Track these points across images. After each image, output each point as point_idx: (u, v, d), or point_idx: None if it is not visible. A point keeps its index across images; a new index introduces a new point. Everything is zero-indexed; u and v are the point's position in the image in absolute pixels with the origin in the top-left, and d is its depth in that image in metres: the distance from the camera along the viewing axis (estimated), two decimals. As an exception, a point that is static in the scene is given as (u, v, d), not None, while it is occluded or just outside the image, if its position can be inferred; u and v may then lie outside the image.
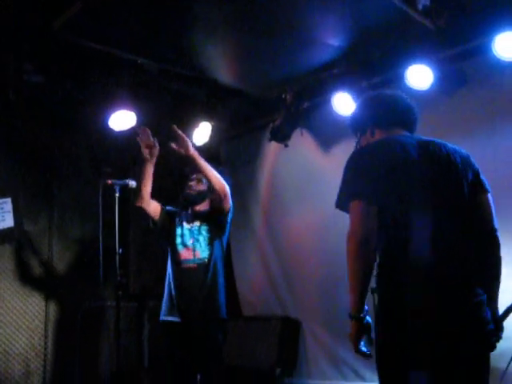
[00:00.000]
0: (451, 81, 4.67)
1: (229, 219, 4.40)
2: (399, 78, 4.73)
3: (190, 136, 5.66)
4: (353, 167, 2.49)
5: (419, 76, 4.64)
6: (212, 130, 5.77)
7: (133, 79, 5.00)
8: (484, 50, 4.35)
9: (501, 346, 2.46)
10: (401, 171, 2.44)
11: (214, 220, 4.36)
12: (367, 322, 2.40)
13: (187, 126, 5.59)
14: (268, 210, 6.27)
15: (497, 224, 2.56)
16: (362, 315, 2.37)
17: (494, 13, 4.17)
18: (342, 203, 2.47)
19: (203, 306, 4.19)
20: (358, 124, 2.77)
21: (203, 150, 5.76)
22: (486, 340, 2.39)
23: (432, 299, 2.33)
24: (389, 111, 2.67)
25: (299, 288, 5.84)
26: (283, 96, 5.48)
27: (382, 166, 2.42)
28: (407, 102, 2.72)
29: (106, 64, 4.86)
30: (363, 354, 2.38)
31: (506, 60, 4.27)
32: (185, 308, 4.21)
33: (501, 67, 4.37)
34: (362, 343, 2.39)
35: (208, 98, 5.54)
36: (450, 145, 2.60)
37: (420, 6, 3.94)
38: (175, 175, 5.27)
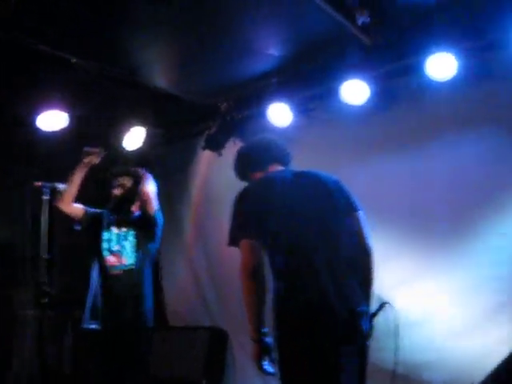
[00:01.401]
0: (385, 97, 4.78)
1: (157, 226, 4.31)
2: (335, 92, 4.79)
3: (122, 140, 5.53)
4: (237, 207, 2.87)
5: (355, 91, 4.72)
6: (146, 135, 5.64)
7: (66, 79, 4.81)
8: (417, 69, 4.46)
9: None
10: (276, 204, 2.79)
11: (141, 226, 4.27)
12: (266, 344, 2.68)
13: (120, 129, 5.45)
14: (199, 218, 6.20)
15: (369, 237, 2.87)
16: (260, 338, 2.68)
17: (429, 34, 4.29)
18: (231, 241, 2.83)
19: (128, 314, 4.08)
20: (240, 175, 3.17)
21: (136, 155, 5.65)
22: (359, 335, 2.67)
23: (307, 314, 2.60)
24: (261, 154, 3.08)
25: (229, 298, 5.78)
26: (219, 104, 5.44)
27: (259, 204, 2.81)
28: (276, 141, 3.15)
29: (39, 63, 4.66)
30: (267, 373, 2.69)
31: (437, 80, 4.41)
32: (109, 316, 4.09)
33: (432, 87, 4.50)
34: (266, 363, 2.67)
35: (143, 102, 5.42)
36: (323, 173, 2.97)
37: (359, 22, 3.99)
38: (102, 179, 5.11)
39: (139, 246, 4.23)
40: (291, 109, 5.11)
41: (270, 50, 4.59)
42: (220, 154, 5.70)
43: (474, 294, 4.30)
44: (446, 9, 4.05)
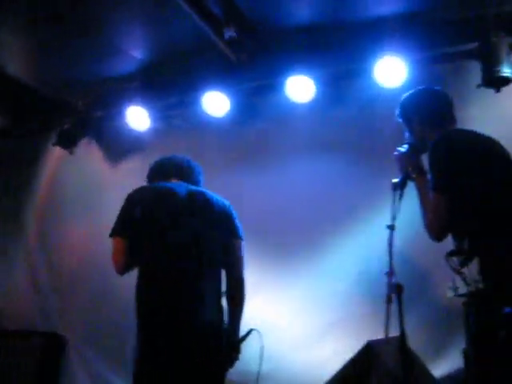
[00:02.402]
0: (247, 112, 4.88)
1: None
2: (196, 102, 4.80)
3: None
4: (123, 205, 2.96)
5: (216, 103, 4.76)
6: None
7: None
8: (278, 89, 4.60)
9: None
10: (158, 212, 2.89)
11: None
12: None
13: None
14: (43, 218, 5.87)
15: (243, 268, 3.00)
16: None
17: (290, 56, 4.46)
18: (110, 233, 2.91)
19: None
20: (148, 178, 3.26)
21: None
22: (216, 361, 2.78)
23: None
24: (165, 166, 3.22)
25: (69, 302, 5.53)
26: (76, 101, 5.23)
27: (140, 207, 2.89)
28: (183, 160, 3.27)
29: None
30: None
31: (297, 102, 4.59)
32: None
33: (290, 107, 4.67)
34: None
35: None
36: (216, 196, 3.08)
37: (226, 36, 4.04)
38: None
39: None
40: (150, 114, 5.03)
41: (133, 52, 4.50)
42: (71, 153, 5.47)
43: (314, 309, 4.49)
44: (311, 34, 4.23)
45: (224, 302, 2.96)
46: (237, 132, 4.92)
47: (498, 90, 4.09)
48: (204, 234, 2.89)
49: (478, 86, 4.09)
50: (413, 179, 2.78)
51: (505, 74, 3.99)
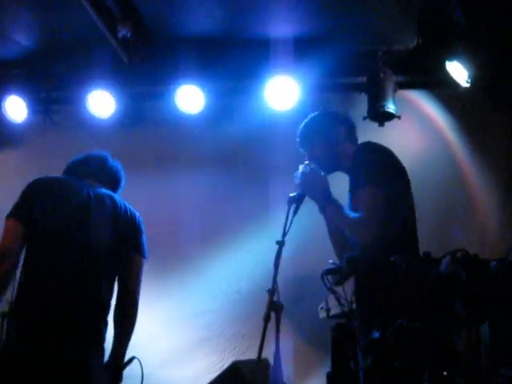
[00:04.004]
0: (130, 117, 4.70)
1: None
2: (80, 100, 4.53)
3: None
4: (24, 190, 2.75)
5: (101, 103, 4.54)
6: None
7: None
8: (167, 97, 4.49)
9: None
10: (53, 204, 2.70)
11: None
12: None
13: None
14: None
15: (139, 285, 2.79)
16: None
17: (183, 65, 4.38)
18: (7, 215, 2.67)
19: None
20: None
21: None
22: None
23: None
24: (79, 165, 3.03)
25: None
26: None
27: (39, 196, 2.72)
28: (100, 159, 3.08)
29: None
30: None
31: (186, 112, 4.50)
32: None
33: (177, 117, 4.56)
34: None
35: None
36: (126, 205, 2.91)
37: (120, 35, 3.87)
38: None
39: None
40: (28, 105, 4.68)
41: (18, 37, 4.19)
42: None
43: (184, 327, 4.38)
44: (207, 45, 4.22)
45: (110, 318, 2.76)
46: (121, 137, 4.67)
47: (381, 124, 4.26)
48: (99, 241, 2.69)
49: (364, 118, 4.23)
50: (319, 201, 2.76)
51: (389, 110, 4.17)
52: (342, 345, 2.46)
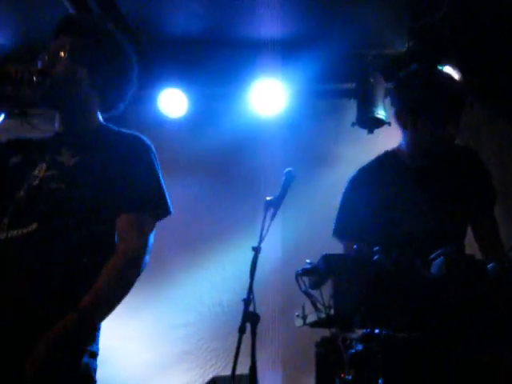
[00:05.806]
0: (111, 121, 4.54)
1: None
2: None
3: None
4: None
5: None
6: None
7: None
8: (150, 99, 4.37)
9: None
10: None
11: None
12: None
13: None
14: None
15: None
16: None
17: (167, 68, 4.26)
18: None
19: None
20: None
21: None
22: None
23: None
24: None
25: None
26: None
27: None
28: None
29: None
30: None
31: (169, 116, 4.39)
32: None
33: (161, 121, 4.44)
34: None
35: None
36: None
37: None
38: None
39: None
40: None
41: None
42: None
43: (163, 340, 4.20)
44: (193, 47, 4.12)
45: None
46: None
47: (370, 131, 4.12)
48: None
49: (353, 125, 4.10)
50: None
51: (378, 116, 4.03)
52: (326, 361, 2.28)
